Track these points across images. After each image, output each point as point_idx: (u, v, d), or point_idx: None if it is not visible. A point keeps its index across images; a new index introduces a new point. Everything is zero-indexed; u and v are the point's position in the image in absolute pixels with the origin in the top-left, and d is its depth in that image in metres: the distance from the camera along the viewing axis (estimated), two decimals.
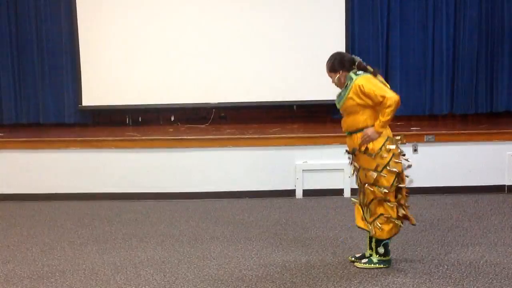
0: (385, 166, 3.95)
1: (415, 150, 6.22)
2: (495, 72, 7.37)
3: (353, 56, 4.16)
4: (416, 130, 6.46)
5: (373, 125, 3.94)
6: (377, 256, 4.12)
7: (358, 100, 3.93)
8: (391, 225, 4.03)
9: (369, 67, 4.07)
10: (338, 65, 4.11)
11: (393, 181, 3.98)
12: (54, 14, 7.28)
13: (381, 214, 4.02)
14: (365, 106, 3.94)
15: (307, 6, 7.21)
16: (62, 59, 7.34)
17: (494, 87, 7.39)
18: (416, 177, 6.04)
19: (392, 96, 3.86)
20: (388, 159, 3.95)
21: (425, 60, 7.33)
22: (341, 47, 7.15)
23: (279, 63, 7.22)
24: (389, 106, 3.85)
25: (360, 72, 4.02)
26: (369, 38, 7.28)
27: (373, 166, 3.96)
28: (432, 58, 7.33)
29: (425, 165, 6.18)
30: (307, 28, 7.21)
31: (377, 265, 4.12)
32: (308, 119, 7.45)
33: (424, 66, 7.34)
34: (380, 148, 3.95)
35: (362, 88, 3.91)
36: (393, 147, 3.97)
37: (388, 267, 4.13)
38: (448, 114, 7.45)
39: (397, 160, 3.98)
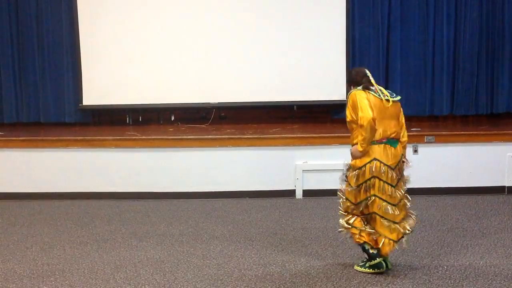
0: (354, 187, 3.97)
1: (415, 151, 6.23)
2: (495, 73, 7.37)
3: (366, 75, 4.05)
4: (417, 131, 6.46)
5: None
6: (368, 262, 4.08)
7: (350, 117, 3.96)
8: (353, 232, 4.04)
9: (370, 84, 3.99)
10: (351, 81, 4.13)
11: (362, 201, 3.96)
12: (54, 14, 7.29)
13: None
14: (356, 123, 3.92)
15: (307, 7, 7.22)
16: (63, 58, 7.35)
17: (494, 88, 7.39)
18: (416, 178, 6.05)
19: (362, 116, 3.82)
20: (361, 182, 3.93)
21: (426, 61, 7.33)
22: (342, 49, 7.19)
23: (280, 64, 7.23)
24: (361, 126, 3.84)
25: (359, 87, 3.98)
26: (369, 39, 7.29)
27: (350, 181, 3.99)
28: (433, 59, 7.33)
29: (425, 166, 6.18)
30: (307, 29, 7.22)
31: (366, 269, 4.07)
32: (308, 120, 7.45)
33: (425, 67, 7.34)
34: (360, 168, 3.93)
35: (348, 104, 3.97)
36: (371, 171, 3.90)
37: (380, 271, 4.02)
38: (449, 115, 7.46)
39: (371, 183, 3.92)
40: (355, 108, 3.89)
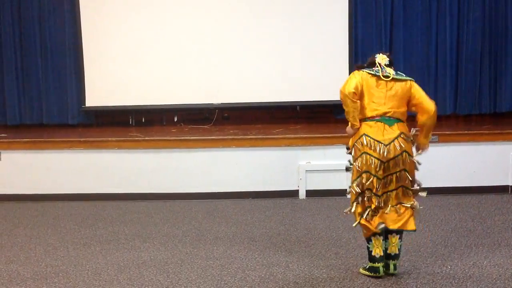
0: (351, 164, 4.00)
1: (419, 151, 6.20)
2: (498, 72, 7.36)
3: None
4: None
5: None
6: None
7: None
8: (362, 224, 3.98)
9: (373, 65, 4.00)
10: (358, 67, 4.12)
11: (356, 180, 3.92)
12: (57, 15, 7.30)
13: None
14: None
15: (310, 8, 7.21)
16: (66, 60, 7.36)
17: (497, 87, 7.38)
18: (420, 178, 6.03)
19: (341, 89, 3.88)
20: (356, 157, 3.93)
21: (429, 60, 7.32)
22: (344, 48, 7.19)
23: (282, 64, 7.22)
24: (340, 99, 3.91)
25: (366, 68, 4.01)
26: (372, 39, 7.28)
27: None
28: (436, 58, 7.32)
29: (428, 165, 6.12)
30: (310, 29, 7.22)
31: (366, 271, 4.01)
32: (311, 120, 7.45)
33: (428, 67, 7.33)
34: (353, 144, 3.96)
35: None
36: (359, 147, 3.89)
37: (375, 276, 3.94)
38: (452, 115, 7.44)
39: (364, 160, 3.88)
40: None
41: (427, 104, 3.95)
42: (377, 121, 3.89)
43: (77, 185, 6.37)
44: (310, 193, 6.29)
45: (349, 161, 4.07)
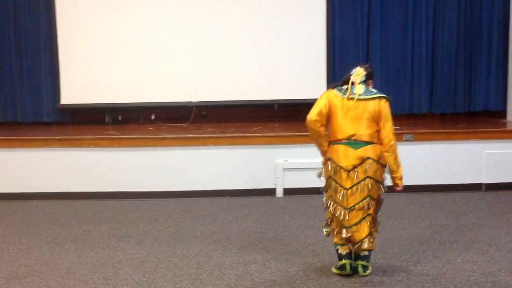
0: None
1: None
2: (473, 72, 7.47)
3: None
4: (395, 129, 6.47)
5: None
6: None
7: None
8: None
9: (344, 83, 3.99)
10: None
11: (328, 200, 3.96)
12: (32, 12, 7.21)
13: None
14: None
15: (288, 7, 7.24)
16: (41, 57, 7.27)
17: (472, 87, 7.50)
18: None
19: (307, 115, 3.89)
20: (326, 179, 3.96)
21: (405, 60, 7.41)
22: (322, 48, 7.24)
23: (260, 63, 7.23)
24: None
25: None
26: (349, 39, 7.34)
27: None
28: (412, 58, 7.41)
29: (404, 163, 6.16)
30: (288, 29, 7.24)
31: (337, 270, 4.02)
32: (289, 118, 7.46)
33: (404, 66, 7.41)
34: (323, 167, 3.99)
35: None
36: (325, 172, 3.94)
37: (343, 274, 3.96)
38: (427, 113, 7.54)
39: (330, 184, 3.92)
40: None
41: (384, 135, 3.84)
42: (344, 144, 3.84)
43: (52, 184, 6.29)
44: (287, 191, 6.30)
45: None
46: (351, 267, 3.96)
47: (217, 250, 4.58)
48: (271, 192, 6.31)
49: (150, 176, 6.30)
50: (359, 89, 3.87)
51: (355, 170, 3.80)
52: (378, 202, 3.93)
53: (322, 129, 3.87)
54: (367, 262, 3.99)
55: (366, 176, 3.81)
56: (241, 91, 7.24)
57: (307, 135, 6.25)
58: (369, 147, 3.83)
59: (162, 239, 4.89)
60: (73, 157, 6.32)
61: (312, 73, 7.22)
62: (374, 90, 3.94)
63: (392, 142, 3.87)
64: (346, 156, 3.82)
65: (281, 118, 7.46)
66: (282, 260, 4.33)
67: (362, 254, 3.96)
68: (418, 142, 6.35)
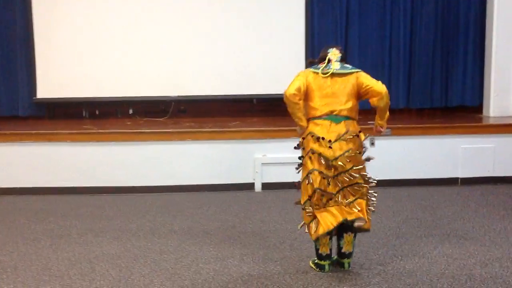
0: (301, 163, 3.95)
1: (372, 144, 6.30)
2: (450, 67, 7.56)
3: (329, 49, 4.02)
4: (374, 124, 6.53)
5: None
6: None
7: None
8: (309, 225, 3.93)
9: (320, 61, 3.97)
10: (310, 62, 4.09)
11: (304, 179, 3.88)
12: (8, 6, 7.09)
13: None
14: None
15: (268, 2, 7.23)
16: (16, 50, 7.17)
17: (448, 82, 7.59)
18: (373, 170, 6.13)
19: (285, 91, 3.84)
20: (304, 154, 3.91)
21: (383, 55, 7.47)
22: (301, 43, 7.25)
23: (239, 57, 7.22)
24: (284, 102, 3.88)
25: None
26: (328, 34, 7.37)
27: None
28: (389, 53, 7.47)
29: (381, 158, 6.23)
30: (267, 23, 7.24)
31: (313, 266, 4.03)
32: (267, 113, 7.47)
33: (382, 62, 7.47)
34: (302, 143, 3.93)
35: None
36: (305, 145, 3.88)
37: (321, 271, 3.96)
38: (404, 109, 7.61)
39: (310, 158, 3.86)
40: None
41: (376, 87, 3.90)
42: (324, 119, 3.85)
43: (27, 179, 6.20)
44: (266, 186, 6.31)
45: (299, 157, 4.03)
46: (329, 266, 3.98)
47: (195, 245, 4.57)
48: (249, 186, 6.32)
49: (127, 171, 6.25)
50: (336, 65, 3.91)
51: (338, 142, 3.82)
52: (365, 176, 3.97)
53: (301, 102, 3.86)
54: (351, 258, 4.04)
55: (349, 148, 3.84)
56: (220, 86, 7.22)
57: (286, 130, 6.40)
58: (349, 121, 3.88)
59: (139, 234, 4.86)
60: (50, 152, 6.24)
61: (291, 68, 7.13)
62: (350, 66, 3.97)
63: (385, 89, 3.94)
64: (328, 130, 3.83)
65: (260, 112, 7.46)
66: (260, 254, 4.33)
67: (347, 252, 3.98)
68: (396, 137, 6.40)
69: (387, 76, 7.46)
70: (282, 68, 7.21)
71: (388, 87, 7.50)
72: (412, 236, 4.73)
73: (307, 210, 3.92)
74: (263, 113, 7.46)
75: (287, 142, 6.22)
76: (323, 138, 3.81)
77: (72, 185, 6.20)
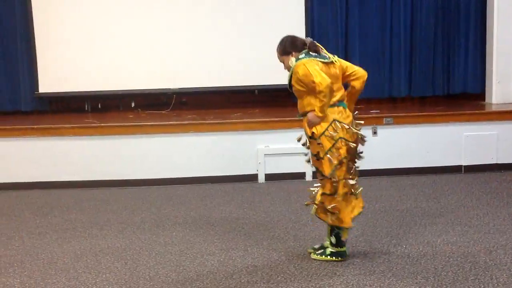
0: (325, 153, 3.83)
1: (375, 133, 6.31)
2: (451, 55, 7.53)
3: (306, 38, 4.04)
4: (375, 113, 6.55)
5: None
6: (331, 246, 3.99)
7: (298, 86, 3.85)
8: (328, 213, 3.90)
9: (321, 49, 3.94)
10: (290, 47, 3.99)
11: (333, 171, 3.83)
12: (7, 0, 7.07)
13: (321, 203, 3.92)
14: (306, 92, 3.82)
15: None
16: (17, 45, 7.15)
17: (450, 69, 7.57)
18: (376, 159, 6.16)
19: (320, 81, 3.67)
20: (329, 146, 3.81)
21: (384, 43, 7.43)
22: (301, 32, 7.17)
23: (240, 48, 7.20)
24: (320, 92, 3.68)
25: (302, 55, 3.88)
26: (328, 22, 7.34)
27: (315, 151, 3.86)
28: (390, 41, 7.44)
29: (384, 147, 6.28)
30: (267, 13, 7.21)
31: (328, 257, 3.98)
32: (269, 104, 7.47)
33: (383, 50, 7.44)
34: (323, 133, 3.81)
35: (297, 75, 3.82)
36: (334, 134, 3.79)
37: (341, 260, 3.95)
38: (407, 97, 7.60)
39: (339, 146, 3.82)
40: (307, 76, 3.74)
41: (361, 70, 3.98)
42: (338, 105, 3.87)
43: (31, 174, 6.22)
44: (269, 177, 6.32)
45: (304, 145, 4.00)
46: None
47: (200, 236, 4.58)
48: (253, 178, 6.32)
49: (131, 164, 6.26)
50: (329, 54, 3.96)
51: (351, 127, 3.91)
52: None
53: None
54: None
55: (358, 130, 3.96)
56: (221, 77, 7.21)
57: (288, 120, 6.40)
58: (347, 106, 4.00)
59: (144, 227, 4.88)
60: (53, 146, 6.25)
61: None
62: (330, 55, 3.98)
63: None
64: (344, 116, 3.89)
65: (262, 103, 7.46)
66: (264, 245, 4.35)
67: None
68: (398, 126, 6.39)
69: (388, 64, 7.43)
70: None
71: (390, 76, 7.63)
72: (416, 224, 4.74)
73: (333, 180, 3.85)
74: (265, 104, 7.46)
75: (290, 132, 6.25)
76: (345, 125, 3.85)
77: (76, 179, 6.22)
